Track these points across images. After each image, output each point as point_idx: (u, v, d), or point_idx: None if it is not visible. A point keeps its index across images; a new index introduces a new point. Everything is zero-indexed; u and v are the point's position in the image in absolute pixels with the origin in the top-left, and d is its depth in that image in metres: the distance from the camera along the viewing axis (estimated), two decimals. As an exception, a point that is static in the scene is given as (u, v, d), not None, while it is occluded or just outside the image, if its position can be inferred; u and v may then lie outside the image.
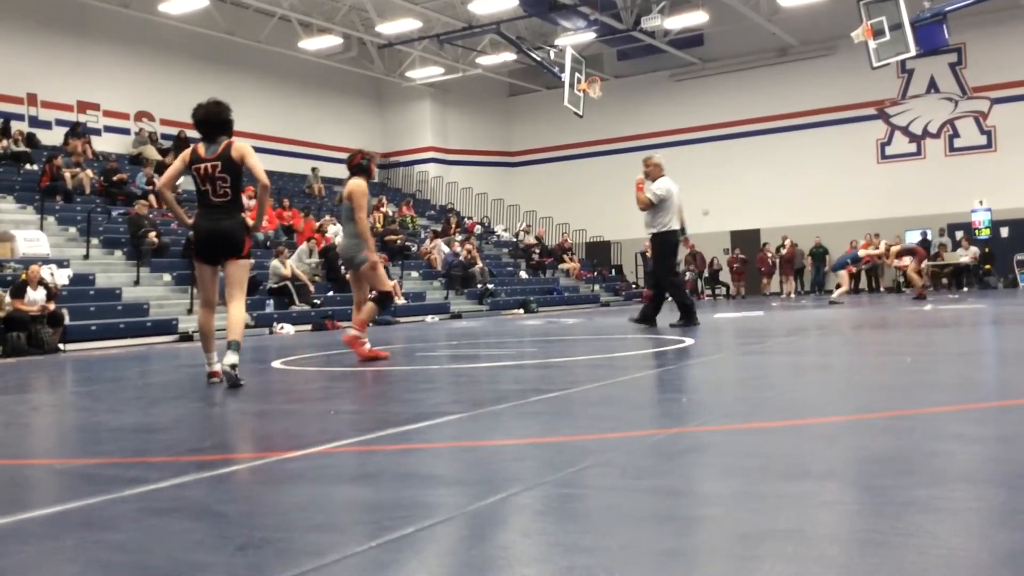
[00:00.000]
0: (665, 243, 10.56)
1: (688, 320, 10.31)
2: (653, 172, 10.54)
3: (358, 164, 7.09)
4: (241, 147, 5.85)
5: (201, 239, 5.94)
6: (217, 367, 5.95)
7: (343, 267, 6.72)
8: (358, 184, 6.95)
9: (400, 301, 18.91)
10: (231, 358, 5.69)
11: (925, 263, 19.15)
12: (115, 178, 19.17)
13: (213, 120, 5.92)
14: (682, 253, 27.46)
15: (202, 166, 5.83)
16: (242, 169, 5.84)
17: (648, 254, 10.03)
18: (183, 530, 2.20)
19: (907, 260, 17.65)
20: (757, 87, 28.34)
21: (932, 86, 26.30)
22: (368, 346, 7.12)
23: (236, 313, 5.87)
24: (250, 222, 6.07)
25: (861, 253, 18.54)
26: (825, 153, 27.25)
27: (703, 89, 29.31)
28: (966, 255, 24.10)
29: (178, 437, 3.87)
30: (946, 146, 26.29)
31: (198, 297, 6.03)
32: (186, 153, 6.00)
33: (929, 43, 18.92)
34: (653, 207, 10.23)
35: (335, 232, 20.61)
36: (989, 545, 1.83)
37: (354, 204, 6.82)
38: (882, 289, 25.26)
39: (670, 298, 10.69)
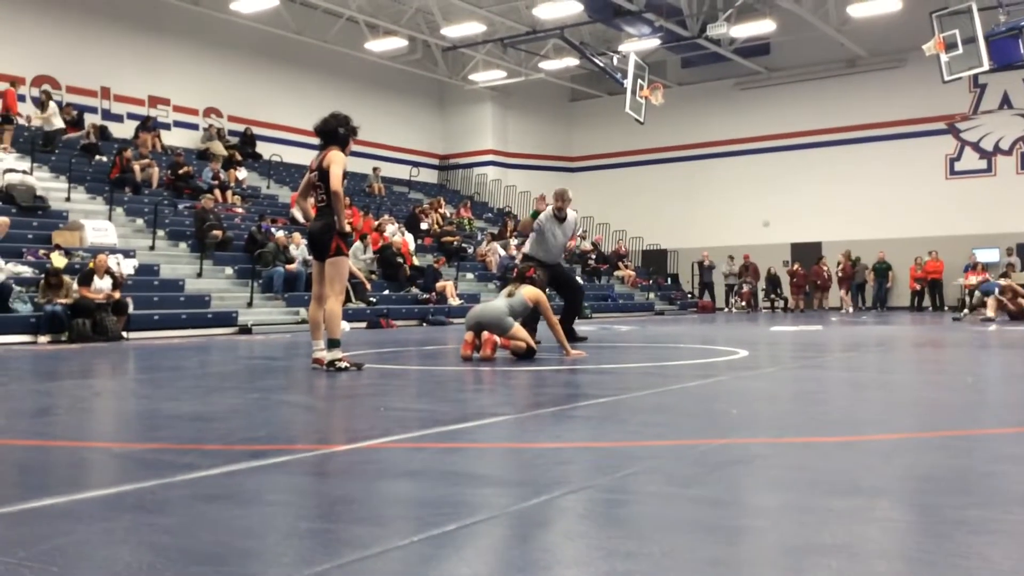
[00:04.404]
0: None
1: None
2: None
3: (531, 277, 7.96)
4: (331, 156, 6.45)
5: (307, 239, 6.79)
6: (318, 355, 6.56)
7: (482, 329, 7.44)
8: (541, 293, 7.84)
9: (455, 302, 19.01)
10: (330, 354, 6.39)
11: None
12: (181, 171, 19.58)
13: (319, 130, 6.63)
14: (738, 263, 27.20)
15: (311, 175, 6.58)
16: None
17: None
18: (232, 517, 2.24)
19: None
20: (823, 98, 27.90)
21: (1005, 102, 25.63)
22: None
23: (328, 309, 6.49)
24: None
25: (1003, 283, 17.66)
26: (892, 167, 26.71)
27: (768, 98, 28.95)
28: (1035, 275, 23.39)
29: (233, 427, 3.94)
30: (1018, 163, 25.59)
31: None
32: None
33: (1003, 58, 18.43)
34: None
35: (393, 232, 20.80)
36: (1043, 570, 1.78)
37: (542, 306, 7.73)
38: (945, 308, 24.67)
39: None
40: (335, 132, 6.58)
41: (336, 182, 6.32)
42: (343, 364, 6.34)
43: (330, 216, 6.44)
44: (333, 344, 6.41)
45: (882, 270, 25.98)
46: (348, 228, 6.64)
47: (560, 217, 9.50)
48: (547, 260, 9.42)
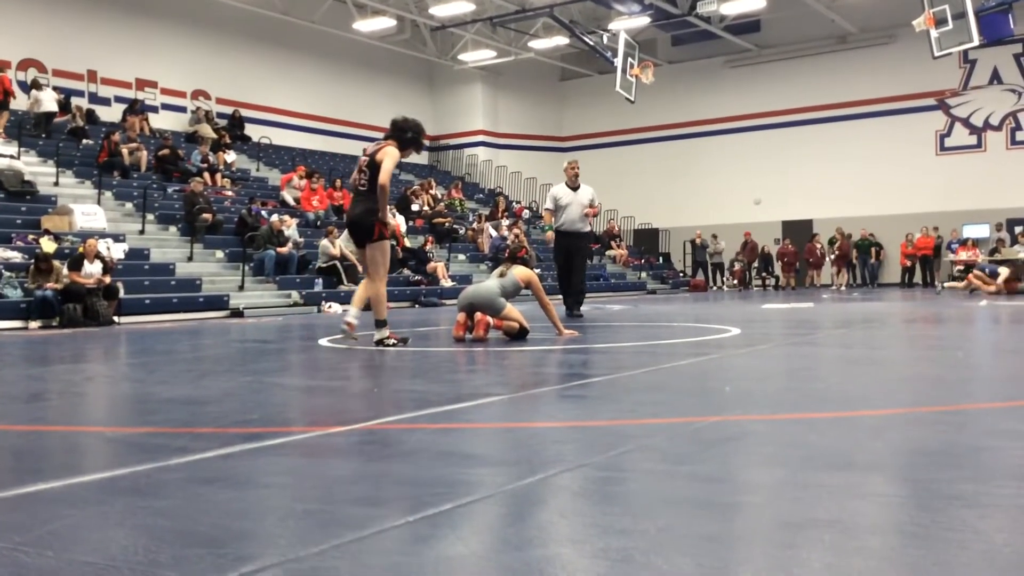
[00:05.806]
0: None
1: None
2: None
3: (522, 258, 7.95)
4: (386, 150, 6.72)
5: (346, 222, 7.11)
6: (349, 319, 6.97)
7: (474, 310, 7.34)
8: (532, 274, 7.77)
9: (447, 284, 19.00)
10: (378, 334, 6.69)
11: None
12: (160, 153, 19.42)
13: (395, 122, 6.92)
14: (723, 242, 27.20)
15: (361, 159, 6.92)
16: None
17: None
18: (227, 499, 2.24)
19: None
20: (814, 75, 27.86)
21: (995, 77, 25.65)
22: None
23: (372, 292, 6.77)
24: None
25: (1002, 270, 17.75)
26: (882, 144, 26.72)
27: (758, 76, 28.89)
28: (1024, 251, 23.46)
29: (226, 409, 3.94)
30: (1008, 139, 25.64)
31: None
32: None
33: (993, 33, 18.43)
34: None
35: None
36: (1035, 542, 1.79)
37: (534, 288, 7.67)
38: (936, 284, 24.75)
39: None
40: (403, 131, 6.86)
41: (385, 176, 6.59)
42: (391, 341, 6.64)
43: (372, 201, 6.69)
44: (380, 324, 6.69)
45: (865, 247, 26.02)
46: (390, 219, 6.92)
47: (573, 186, 10.76)
48: (567, 227, 10.57)
